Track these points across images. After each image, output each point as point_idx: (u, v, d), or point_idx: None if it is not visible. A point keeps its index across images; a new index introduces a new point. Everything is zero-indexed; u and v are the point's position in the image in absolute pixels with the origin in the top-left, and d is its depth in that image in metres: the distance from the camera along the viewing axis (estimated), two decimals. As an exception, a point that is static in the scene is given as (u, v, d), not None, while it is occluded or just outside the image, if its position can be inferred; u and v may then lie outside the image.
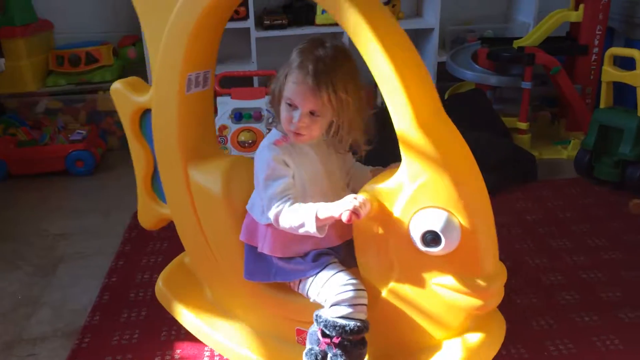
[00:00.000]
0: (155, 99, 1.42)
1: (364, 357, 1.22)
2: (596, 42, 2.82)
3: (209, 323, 1.49)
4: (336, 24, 2.21)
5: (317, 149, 1.26)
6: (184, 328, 1.54)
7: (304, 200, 1.20)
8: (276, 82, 1.23)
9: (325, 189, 1.26)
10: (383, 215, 1.17)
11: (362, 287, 1.20)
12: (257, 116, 2.44)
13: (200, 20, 1.29)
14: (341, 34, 2.75)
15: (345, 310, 1.17)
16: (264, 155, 1.22)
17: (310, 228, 1.13)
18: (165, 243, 2.05)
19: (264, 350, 1.41)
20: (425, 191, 1.12)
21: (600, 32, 2.81)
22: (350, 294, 1.17)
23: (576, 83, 2.85)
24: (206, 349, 1.53)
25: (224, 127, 2.46)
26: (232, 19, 2.90)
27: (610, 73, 2.34)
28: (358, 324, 1.16)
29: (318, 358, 1.20)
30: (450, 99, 2.90)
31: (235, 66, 2.91)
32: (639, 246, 1.96)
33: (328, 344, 1.18)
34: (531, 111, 3.09)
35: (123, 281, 1.86)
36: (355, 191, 1.23)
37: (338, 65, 1.16)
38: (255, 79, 2.85)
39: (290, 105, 1.19)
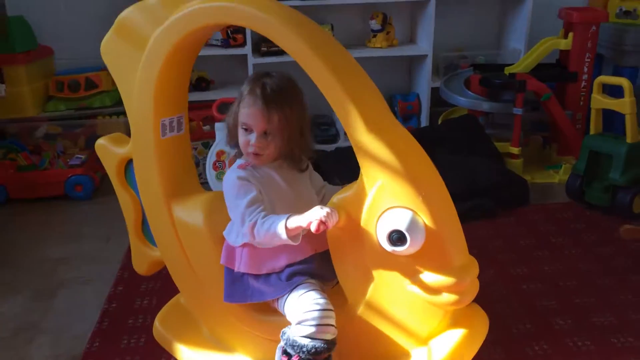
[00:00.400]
0: (134, 148, 1.49)
1: None
2: (585, 69, 2.89)
3: (205, 357, 1.52)
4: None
5: (280, 171, 1.33)
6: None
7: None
8: (230, 113, 1.34)
9: (294, 204, 1.30)
10: (352, 224, 1.22)
11: (330, 307, 1.23)
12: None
13: (162, 70, 1.37)
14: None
15: (309, 330, 1.20)
16: (229, 179, 1.31)
17: (283, 235, 1.19)
18: (164, 269, 2.06)
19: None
20: (384, 193, 1.18)
21: (589, 60, 2.88)
22: (316, 313, 1.21)
23: (567, 109, 2.92)
24: (206, 375, 1.54)
25: (221, 153, 2.50)
26: (229, 46, 2.97)
27: (599, 100, 2.41)
28: (317, 344, 1.20)
29: None
30: (443, 124, 2.96)
31: (233, 92, 2.94)
32: (630, 271, 2.00)
33: None
34: (523, 136, 3.15)
35: (122, 307, 1.88)
36: None
37: (283, 89, 1.27)
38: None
39: (246, 129, 1.29)
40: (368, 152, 1.18)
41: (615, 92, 2.45)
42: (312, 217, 1.16)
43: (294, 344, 1.21)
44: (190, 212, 1.44)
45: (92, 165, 2.81)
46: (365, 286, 1.27)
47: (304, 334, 1.21)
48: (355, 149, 1.20)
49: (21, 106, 2.90)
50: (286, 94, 1.28)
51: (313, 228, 1.15)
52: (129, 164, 1.56)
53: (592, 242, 2.21)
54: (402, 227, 1.15)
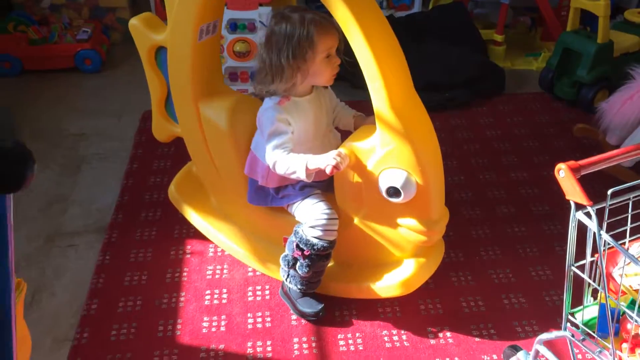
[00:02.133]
0: (170, 43, 1.67)
1: (325, 268, 1.62)
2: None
3: (213, 224, 1.87)
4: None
5: (312, 103, 1.55)
6: (193, 228, 1.93)
7: (296, 145, 1.50)
8: (286, 56, 1.44)
9: (315, 134, 1.57)
10: (358, 167, 1.51)
11: (335, 217, 1.56)
12: (251, 27, 2.63)
13: None
14: None
15: (318, 232, 1.54)
16: (269, 114, 1.50)
17: (301, 175, 1.45)
18: (172, 147, 2.37)
19: (256, 249, 1.81)
20: (392, 156, 1.45)
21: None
22: (324, 221, 1.54)
23: (554, -5, 3.02)
24: (211, 245, 1.92)
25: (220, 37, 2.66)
26: None
27: (578, 0, 2.53)
28: (325, 244, 1.54)
29: (290, 263, 1.60)
30: (433, 11, 3.07)
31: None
32: (575, 165, 2.30)
33: (299, 255, 1.57)
34: (512, 15, 3.28)
35: (139, 183, 2.21)
36: (338, 127, 1.60)
37: (321, 13, 1.45)
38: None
39: (328, 56, 1.46)
40: (387, 122, 1.41)
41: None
42: (328, 161, 1.41)
43: (307, 242, 1.54)
44: (216, 112, 1.66)
45: (98, 39, 2.98)
46: (357, 211, 1.59)
47: (314, 235, 1.54)
48: (376, 116, 1.43)
49: (25, -24, 2.98)
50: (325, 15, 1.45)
51: (327, 171, 1.41)
52: (160, 49, 1.73)
53: (550, 135, 2.50)
54: (399, 185, 1.43)
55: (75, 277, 1.82)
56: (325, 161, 1.42)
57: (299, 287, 1.62)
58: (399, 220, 1.53)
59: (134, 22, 1.74)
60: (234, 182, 1.74)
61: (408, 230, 1.53)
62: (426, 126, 1.50)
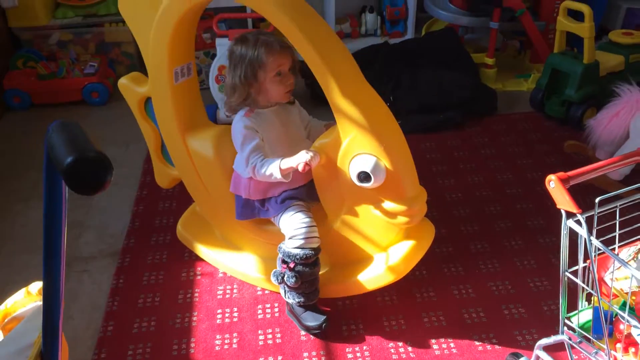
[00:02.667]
0: (152, 91, 1.81)
1: (316, 275, 1.69)
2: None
3: (220, 254, 1.96)
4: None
5: (277, 113, 1.66)
6: (202, 250, 2.01)
7: (272, 154, 1.62)
8: (237, 76, 1.59)
9: (287, 143, 1.66)
10: (331, 163, 1.60)
11: (313, 224, 1.64)
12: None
13: (175, 28, 1.65)
14: None
15: (299, 242, 1.62)
16: (238, 126, 1.63)
17: (277, 175, 1.56)
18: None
19: (262, 269, 1.89)
20: (355, 143, 1.54)
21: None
22: (303, 230, 1.62)
23: (541, 19, 3.15)
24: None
25: (222, 67, 2.77)
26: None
27: (563, 23, 2.65)
28: (308, 252, 1.62)
29: (279, 279, 1.67)
30: (426, 37, 3.19)
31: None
32: (568, 180, 2.39)
33: (286, 268, 1.64)
34: (502, 39, 3.41)
35: (148, 209, 2.29)
36: (313, 140, 1.67)
37: (275, 35, 1.63)
38: (249, 21, 3.10)
39: (279, 74, 1.59)
40: (342, 111, 1.52)
41: (580, 15, 2.67)
42: (300, 159, 1.52)
43: (289, 254, 1.63)
44: (202, 143, 1.80)
45: (104, 72, 3.09)
46: (341, 208, 1.68)
47: (296, 246, 1.63)
48: (332, 109, 1.54)
49: (33, 14, 3.10)
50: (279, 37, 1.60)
51: (300, 168, 1.53)
52: (148, 100, 1.89)
53: (543, 152, 2.59)
54: (368, 169, 1.52)
55: (91, 300, 1.88)
56: (297, 159, 1.53)
57: (297, 300, 1.69)
58: (379, 206, 1.60)
59: (123, 82, 1.90)
60: (226, 205, 1.83)
61: (389, 213, 1.60)
62: (383, 111, 1.59)
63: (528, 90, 3.05)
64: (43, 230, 0.85)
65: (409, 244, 1.67)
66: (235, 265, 1.93)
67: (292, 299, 1.70)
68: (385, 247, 1.70)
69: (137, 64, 3.21)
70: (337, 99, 1.51)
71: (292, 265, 1.63)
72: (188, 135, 1.82)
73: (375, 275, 1.69)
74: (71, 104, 3.02)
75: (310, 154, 1.54)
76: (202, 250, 1.99)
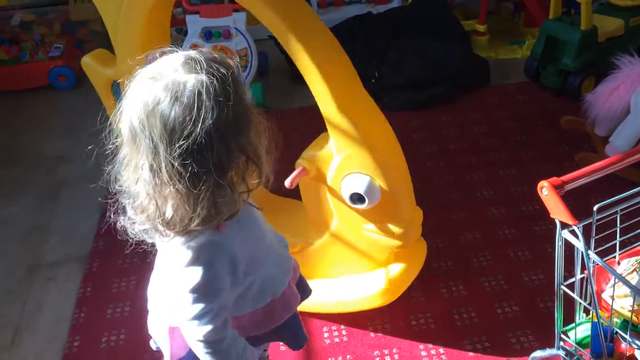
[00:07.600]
0: (121, 75, 1.61)
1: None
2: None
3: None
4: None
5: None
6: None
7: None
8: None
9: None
10: (320, 177, 1.46)
11: None
12: (226, 34, 2.56)
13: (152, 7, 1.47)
14: None
15: None
16: (204, 255, 0.94)
17: None
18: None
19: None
20: (350, 161, 1.40)
21: None
22: None
23: (537, -20, 2.94)
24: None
25: (195, 46, 2.59)
26: None
27: (560, -13, 2.46)
28: None
29: None
30: (413, 4, 2.99)
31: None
32: (565, 159, 2.24)
33: None
34: (495, 2, 3.21)
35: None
36: None
37: None
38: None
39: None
40: (338, 126, 1.36)
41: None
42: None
43: None
44: None
45: (71, 54, 2.91)
46: (329, 221, 1.54)
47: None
48: (326, 122, 1.38)
49: (-8, -6, 2.91)
50: None
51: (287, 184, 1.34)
52: (115, 81, 1.70)
53: (537, 127, 2.44)
54: (362, 191, 1.38)
55: (57, 311, 1.77)
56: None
57: None
58: (371, 227, 1.47)
59: (87, 61, 1.72)
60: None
61: (381, 236, 1.47)
62: (382, 126, 1.45)
63: (523, 58, 2.86)
64: None
65: (400, 267, 1.55)
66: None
67: None
68: (374, 268, 1.57)
69: (107, 44, 2.99)
70: (332, 113, 1.35)
71: None
72: None
73: (364, 296, 1.57)
74: (38, 90, 2.85)
75: None
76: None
